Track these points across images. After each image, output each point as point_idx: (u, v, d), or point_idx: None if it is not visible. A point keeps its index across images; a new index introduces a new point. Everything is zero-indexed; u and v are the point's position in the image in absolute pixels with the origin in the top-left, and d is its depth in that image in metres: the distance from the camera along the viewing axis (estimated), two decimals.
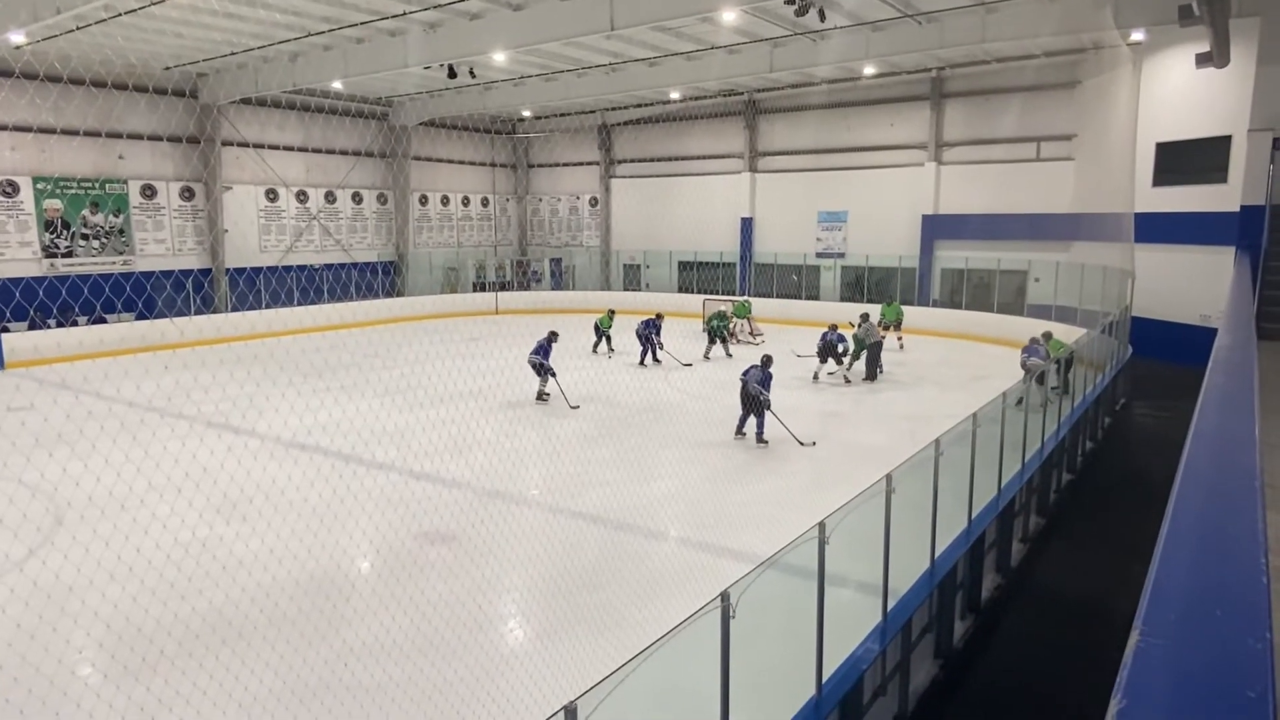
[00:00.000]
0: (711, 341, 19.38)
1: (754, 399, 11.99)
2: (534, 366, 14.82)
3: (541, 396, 14.84)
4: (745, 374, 12.29)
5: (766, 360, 12.58)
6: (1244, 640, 1.61)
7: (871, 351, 16.79)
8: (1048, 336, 15.20)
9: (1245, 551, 2.04)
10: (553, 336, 15.16)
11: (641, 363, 18.59)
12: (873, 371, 16.81)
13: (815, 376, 16.71)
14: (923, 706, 6.49)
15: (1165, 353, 18.00)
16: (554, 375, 14.64)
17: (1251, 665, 1.52)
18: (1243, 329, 6.35)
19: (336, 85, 21.98)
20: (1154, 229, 18.78)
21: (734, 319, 21.15)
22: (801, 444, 11.91)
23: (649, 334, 18.58)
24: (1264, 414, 4.20)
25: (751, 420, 12.22)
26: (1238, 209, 14.84)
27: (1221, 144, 17.34)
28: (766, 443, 11.99)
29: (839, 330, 16.69)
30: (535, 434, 12.56)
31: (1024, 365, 14.39)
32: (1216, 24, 14.42)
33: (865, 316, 17.45)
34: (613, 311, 19.67)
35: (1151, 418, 16.12)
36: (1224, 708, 1.45)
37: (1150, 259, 18.60)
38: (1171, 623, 1.75)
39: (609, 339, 19.36)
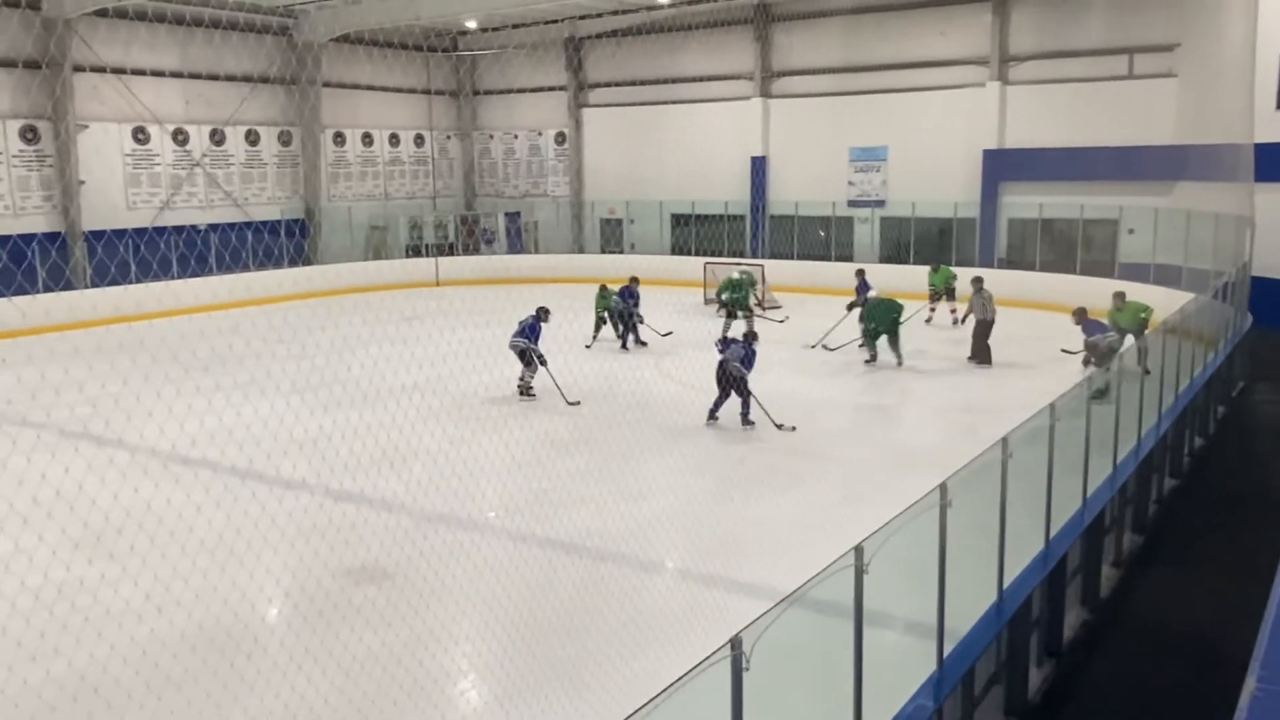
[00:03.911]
0: (730, 316, 19.02)
1: (736, 380, 12.89)
2: (518, 353, 14.94)
3: (526, 392, 14.92)
4: (724, 350, 13.16)
5: (750, 336, 13.55)
6: None
7: (981, 329, 16.91)
8: (1121, 297, 15.30)
9: None
10: (541, 314, 15.26)
11: (624, 346, 18.60)
12: (982, 352, 16.86)
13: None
14: None
15: None
16: (545, 364, 14.76)
17: None
18: None
19: None
20: None
21: (758, 286, 21.17)
22: (779, 427, 12.81)
23: (628, 308, 18.55)
24: None
25: (731, 401, 13.07)
26: None
27: None
28: (753, 424, 12.97)
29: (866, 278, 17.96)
30: (492, 440, 12.55)
31: (1091, 347, 14.46)
32: None
33: (980, 281, 17.50)
34: (604, 287, 19.21)
35: (1278, 405, 16.28)
36: None
37: (1276, 203, 18.70)
38: None
39: (599, 322, 19.06)
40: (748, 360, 12.99)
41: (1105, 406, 9.18)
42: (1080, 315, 14.97)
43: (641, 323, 18.76)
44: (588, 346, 18.70)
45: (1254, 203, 18.41)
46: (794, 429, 12.82)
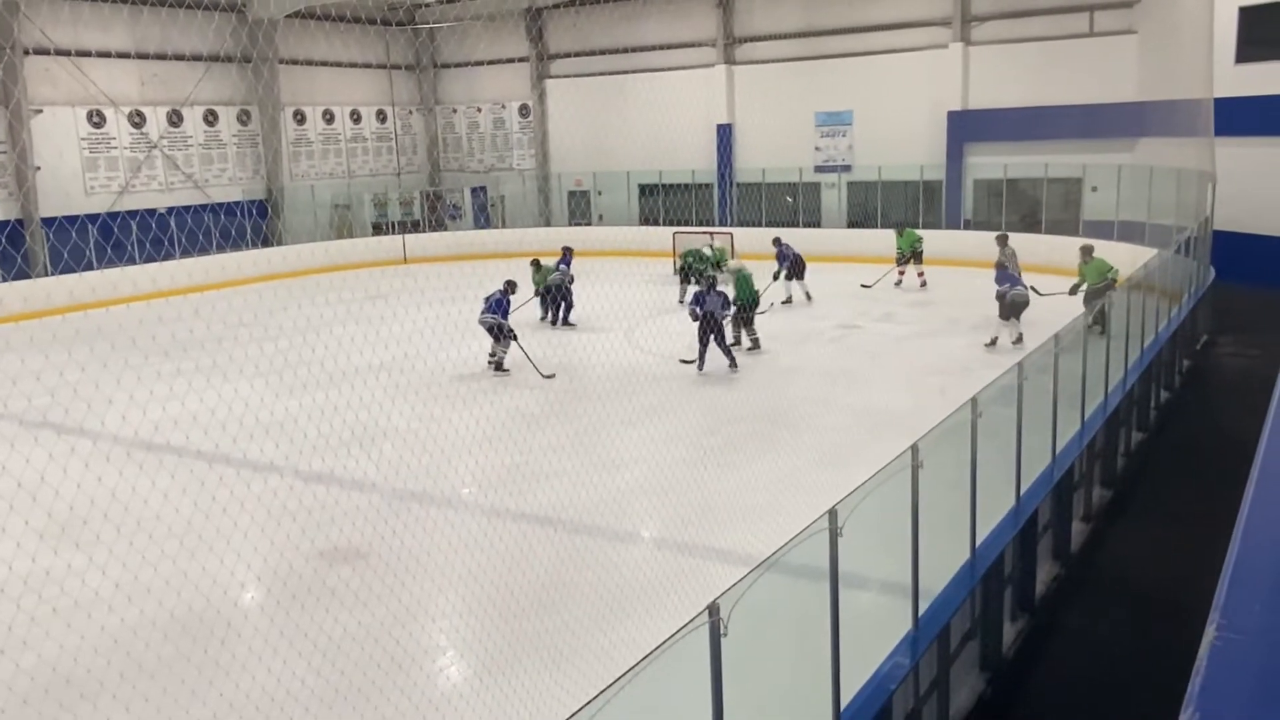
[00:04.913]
0: (685, 281, 19.27)
1: (718, 325, 14.00)
2: (488, 329, 14.91)
3: (499, 368, 14.86)
4: (701, 305, 14.05)
5: (713, 281, 14.92)
6: None
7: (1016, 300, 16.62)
8: (1088, 252, 15.48)
9: None
10: (509, 288, 15.24)
11: (552, 321, 18.25)
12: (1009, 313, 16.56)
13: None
14: None
15: (1256, 275, 18.38)
16: (515, 339, 14.75)
17: None
18: None
19: None
20: (1238, 118, 19.04)
21: (726, 261, 21.25)
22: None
23: (567, 276, 18.29)
24: None
25: (715, 355, 14.11)
26: None
27: None
28: (736, 368, 14.26)
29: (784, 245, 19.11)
30: (463, 416, 12.50)
31: (1002, 299, 14.67)
32: None
33: (1004, 239, 17.68)
34: (538, 261, 18.88)
35: (1241, 357, 16.51)
36: None
37: (1235, 157, 18.87)
38: (1256, 614, 1.75)
39: (541, 299, 18.68)
40: (726, 304, 14.33)
41: (1074, 361, 9.25)
42: (998, 267, 15.70)
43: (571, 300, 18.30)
44: (553, 324, 18.53)
45: (1214, 157, 18.57)
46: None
